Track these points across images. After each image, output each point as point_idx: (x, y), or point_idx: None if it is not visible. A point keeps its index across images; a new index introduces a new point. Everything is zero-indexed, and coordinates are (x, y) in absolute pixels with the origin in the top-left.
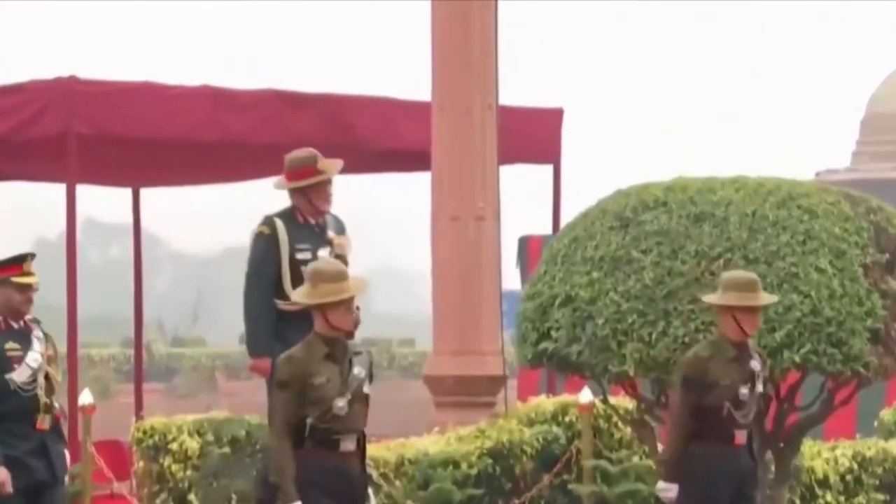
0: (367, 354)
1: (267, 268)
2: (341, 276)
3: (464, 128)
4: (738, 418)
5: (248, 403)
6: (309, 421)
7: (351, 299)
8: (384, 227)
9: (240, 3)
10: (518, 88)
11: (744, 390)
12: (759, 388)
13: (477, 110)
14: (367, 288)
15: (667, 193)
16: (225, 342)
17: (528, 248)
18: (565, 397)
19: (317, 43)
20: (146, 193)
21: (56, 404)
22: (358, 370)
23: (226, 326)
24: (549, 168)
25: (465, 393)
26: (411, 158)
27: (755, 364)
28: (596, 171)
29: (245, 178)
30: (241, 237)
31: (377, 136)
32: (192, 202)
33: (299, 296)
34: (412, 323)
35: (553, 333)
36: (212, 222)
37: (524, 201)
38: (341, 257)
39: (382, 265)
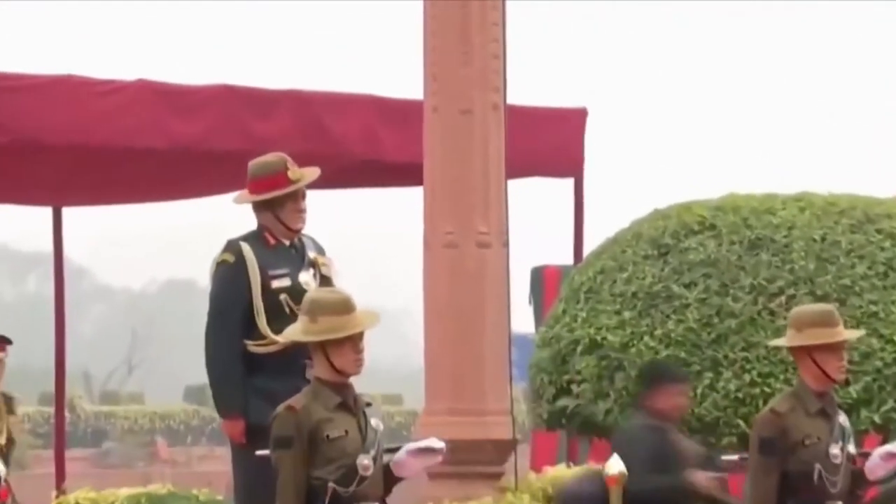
0: (377, 408)
1: (234, 304)
2: (347, 307)
3: (463, 133)
4: (830, 487)
5: (195, 474)
6: (330, 485)
7: (360, 336)
8: (363, 253)
9: None
10: (531, 87)
11: (835, 450)
12: (851, 448)
13: (479, 111)
14: (378, 321)
15: (715, 214)
16: (167, 398)
17: (543, 281)
18: (590, 467)
19: (285, 34)
20: (70, 214)
21: None
22: (375, 423)
23: (168, 379)
24: (569, 182)
25: (466, 462)
26: (397, 170)
27: (844, 420)
28: (627, 186)
29: (195, 193)
30: (189, 267)
31: (356, 142)
32: (127, 224)
33: (294, 333)
34: (398, 374)
35: (575, 388)
36: (152, 249)
37: (538, 223)
38: (326, 281)
39: (361, 300)
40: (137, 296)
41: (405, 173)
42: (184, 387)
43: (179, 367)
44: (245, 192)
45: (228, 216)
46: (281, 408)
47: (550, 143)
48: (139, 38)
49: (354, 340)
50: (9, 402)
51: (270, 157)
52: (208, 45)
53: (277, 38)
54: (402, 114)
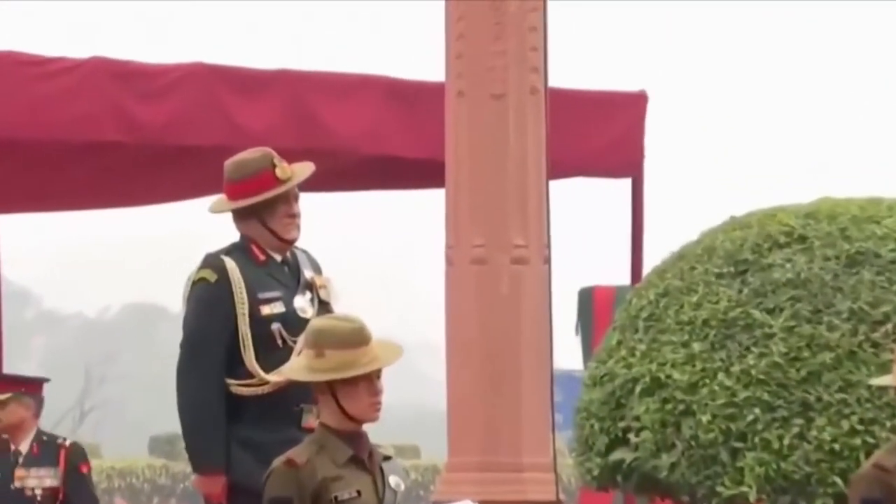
0: (398, 463)
1: (215, 334)
2: (361, 338)
3: (494, 123)
4: None
5: None
6: None
7: (377, 374)
8: (369, 272)
9: None
10: (577, 67)
11: None
12: None
13: (514, 97)
14: (400, 354)
15: (805, 223)
16: (128, 450)
17: (593, 305)
18: None
19: (273, 6)
20: (6, 224)
21: None
22: (395, 482)
23: (130, 427)
24: (625, 184)
25: None
26: (412, 169)
27: None
28: (696, 188)
29: (163, 197)
30: (155, 288)
31: (360, 134)
32: (79, 236)
33: (296, 370)
34: (414, 421)
35: (632, 437)
36: (110, 266)
37: (588, 234)
38: (325, 307)
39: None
40: (92, 324)
41: (422, 173)
42: (148, 437)
43: (143, 412)
44: (223, 197)
45: (205, 225)
46: (278, 462)
47: (603, 136)
48: (94, 8)
49: (370, 379)
50: None
51: (252, 153)
52: (180, 18)
53: (263, 10)
54: (417, 100)
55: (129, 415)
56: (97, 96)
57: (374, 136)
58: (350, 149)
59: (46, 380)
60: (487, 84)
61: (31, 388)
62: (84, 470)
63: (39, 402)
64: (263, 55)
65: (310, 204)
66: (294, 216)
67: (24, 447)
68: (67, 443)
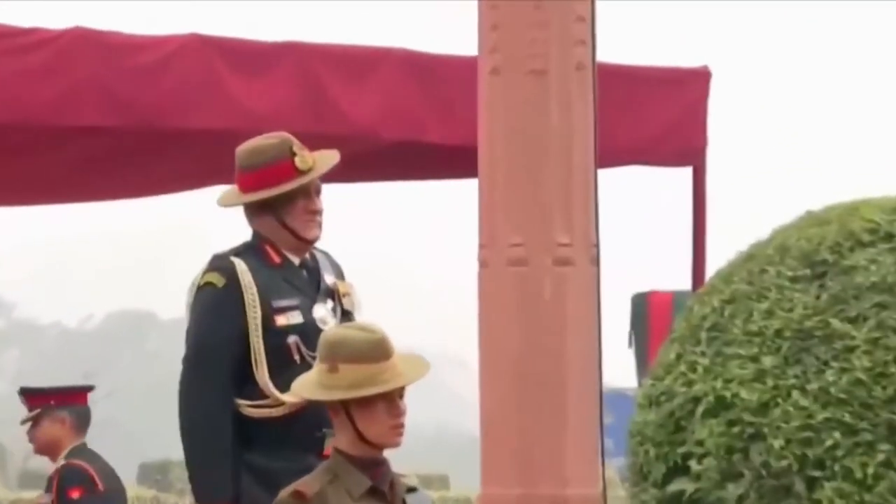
0: (424, 495)
1: (223, 347)
2: (381, 351)
3: (534, 103)
4: None
5: None
6: None
7: (400, 392)
8: (389, 272)
9: None
10: (628, 41)
11: None
12: None
13: (556, 73)
14: (427, 370)
15: (893, 219)
16: None
17: (648, 313)
18: None
19: None
20: None
21: None
22: None
23: (117, 452)
24: (685, 173)
25: None
26: (440, 156)
27: None
28: (764, 178)
29: (156, 189)
30: (146, 293)
31: (381, 116)
32: (59, 235)
33: (306, 387)
34: (443, 446)
35: (694, 464)
36: (94, 269)
37: (642, 231)
38: (348, 317)
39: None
40: (72, 334)
41: (450, 161)
42: (137, 464)
43: (131, 436)
44: (234, 189)
45: (202, 220)
46: (285, 493)
47: (659, 118)
48: None
49: (391, 399)
50: None
51: (268, 139)
52: None
53: None
54: (446, 77)
55: (116, 438)
56: (78, 73)
57: (396, 119)
58: (368, 133)
59: (89, 388)
60: (526, 59)
61: (64, 399)
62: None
63: (80, 415)
64: (268, 26)
65: (322, 196)
66: (315, 212)
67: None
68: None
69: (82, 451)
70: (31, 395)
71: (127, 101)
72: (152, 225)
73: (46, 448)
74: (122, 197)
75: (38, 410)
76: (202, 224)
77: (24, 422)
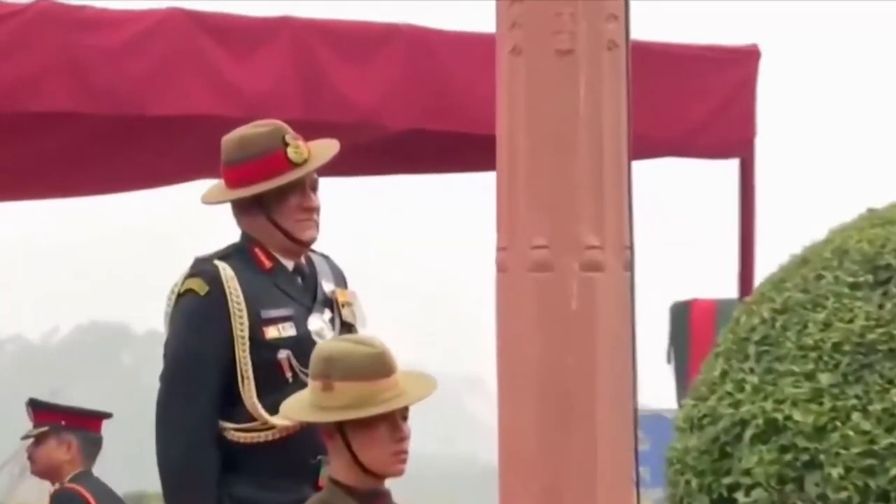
0: None
1: (207, 362)
2: (382, 367)
3: (560, 87)
4: None
5: None
6: None
7: (402, 414)
8: (395, 277)
9: None
10: (664, 17)
11: None
12: None
13: (585, 53)
14: (434, 388)
15: None
16: None
17: (689, 324)
18: None
19: None
20: None
21: None
22: None
23: None
24: (731, 165)
25: None
26: (453, 147)
27: None
28: (818, 172)
29: (131, 184)
30: (119, 303)
31: (387, 101)
32: (13, 238)
33: (296, 407)
34: (456, 476)
35: (741, 497)
36: (58, 276)
37: (683, 232)
38: (349, 329)
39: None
40: (35, 350)
41: (466, 152)
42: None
43: (102, 465)
44: (220, 184)
45: (189, 222)
46: None
47: (702, 104)
48: None
49: (394, 421)
50: None
51: (258, 127)
52: None
53: None
54: (460, 57)
55: None
56: (44, 52)
57: (403, 105)
58: (372, 120)
59: (106, 415)
60: (551, 37)
61: (76, 421)
62: None
63: (90, 442)
64: None
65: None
66: (311, 210)
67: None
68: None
69: (86, 477)
70: (39, 410)
71: (100, 83)
72: (128, 226)
73: (46, 471)
74: (94, 193)
75: (44, 428)
76: (185, 225)
77: (25, 437)
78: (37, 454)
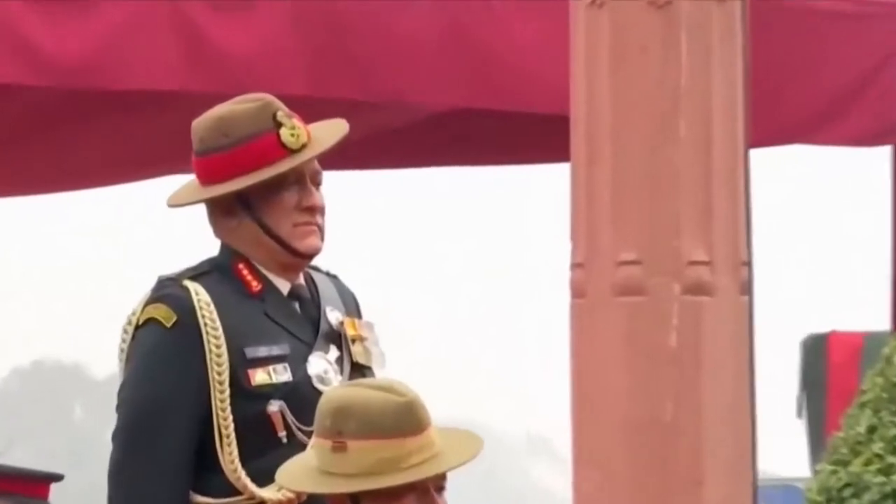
0: None
1: (171, 413)
2: (412, 421)
3: (653, 51)
4: None
5: None
6: None
7: (439, 482)
8: (438, 300)
9: None
10: None
11: None
12: None
13: (688, 6)
14: (479, 449)
15: None
16: None
17: (827, 364)
18: None
19: None
20: None
21: None
22: None
23: None
24: (882, 155)
25: None
26: (511, 132)
27: None
28: None
29: (85, 181)
30: (63, 339)
31: (422, 72)
32: None
33: (299, 476)
34: None
35: None
36: (9, 309)
37: (817, 243)
38: (360, 373)
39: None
40: None
41: (528, 139)
42: None
43: None
44: (193, 181)
45: (161, 231)
46: None
47: (841, 75)
48: None
49: (426, 492)
50: None
51: (241, 104)
52: None
53: None
54: (519, 13)
55: None
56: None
57: (446, 77)
58: (403, 98)
59: (56, 477)
60: None
61: (16, 485)
62: None
63: None
64: None
65: (328, 187)
66: (313, 211)
67: None
68: None
69: None
70: None
71: (51, 54)
72: (80, 235)
73: None
74: (39, 191)
75: None
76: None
77: None
78: None
